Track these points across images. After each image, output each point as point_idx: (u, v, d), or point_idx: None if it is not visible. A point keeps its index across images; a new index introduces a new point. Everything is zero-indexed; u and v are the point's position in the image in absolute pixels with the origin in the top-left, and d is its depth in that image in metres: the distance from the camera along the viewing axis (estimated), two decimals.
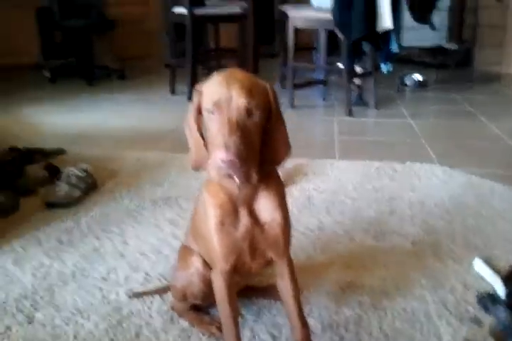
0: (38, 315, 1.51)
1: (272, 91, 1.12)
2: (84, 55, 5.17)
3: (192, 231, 1.40)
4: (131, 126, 3.63)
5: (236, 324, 1.25)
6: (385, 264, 1.79)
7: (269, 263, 1.28)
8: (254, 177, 1.10)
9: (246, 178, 1.08)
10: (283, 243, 1.23)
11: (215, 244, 1.18)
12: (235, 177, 1.06)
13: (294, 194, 2.36)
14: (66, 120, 3.78)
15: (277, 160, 1.18)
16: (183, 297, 1.43)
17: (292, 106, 3.97)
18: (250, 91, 1.05)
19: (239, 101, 1.04)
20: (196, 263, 1.36)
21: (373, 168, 2.68)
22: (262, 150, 1.12)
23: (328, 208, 2.22)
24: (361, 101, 4.05)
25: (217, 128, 1.04)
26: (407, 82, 4.75)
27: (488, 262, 1.76)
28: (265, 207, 1.19)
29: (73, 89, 4.83)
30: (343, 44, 3.68)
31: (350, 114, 3.78)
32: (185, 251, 1.43)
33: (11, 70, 5.28)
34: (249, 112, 1.05)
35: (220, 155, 1.00)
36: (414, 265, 1.79)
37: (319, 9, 3.79)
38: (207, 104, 1.06)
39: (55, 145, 3.00)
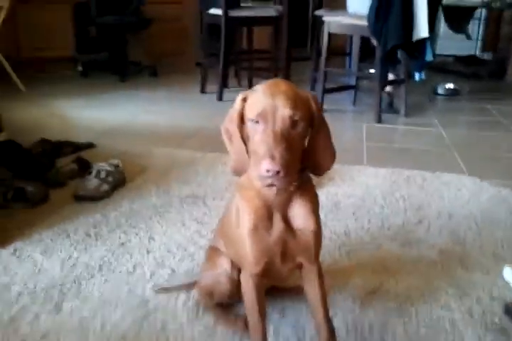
0: (66, 306, 1.53)
1: (314, 101, 1.13)
2: (118, 50, 5.23)
3: (221, 234, 1.41)
4: (161, 123, 3.66)
5: (263, 325, 1.26)
6: (410, 272, 1.78)
7: (298, 267, 1.28)
8: (293, 185, 1.14)
9: (287, 187, 1.11)
10: (314, 249, 1.24)
11: (248, 247, 1.19)
12: (276, 185, 1.07)
13: (320, 198, 2.34)
14: (97, 114, 3.83)
15: (322, 169, 1.20)
16: (210, 296, 1.44)
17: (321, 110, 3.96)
18: (295, 102, 1.06)
19: (284, 112, 1.04)
20: (225, 265, 1.38)
21: (402, 176, 2.66)
22: (305, 159, 1.14)
23: (355, 214, 2.21)
24: (391, 109, 4.02)
25: (261, 138, 1.05)
26: (440, 90, 4.71)
27: None
28: (299, 214, 1.20)
29: (105, 84, 4.89)
30: (378, 51, 3.66)
31: (379, 120, 3.76)
32: (213, 252, 1.45)
33: (46, 63, 5.37)
34: (293, 123, 1.06)
35: (265, 166, 1.00)
36: (441, 274, 1.77)
37: (355, 15, 3.78)
38: (251, 113, 1.07)
39: (85, 139, 3.05)
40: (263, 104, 1.05)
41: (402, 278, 1.74)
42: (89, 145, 2.96)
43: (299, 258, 1.24)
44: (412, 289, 1.68)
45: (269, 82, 1.12)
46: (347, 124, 3.84)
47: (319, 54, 4.09)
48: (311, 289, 1.30)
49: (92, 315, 1.49)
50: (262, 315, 1.26)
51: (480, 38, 6.33)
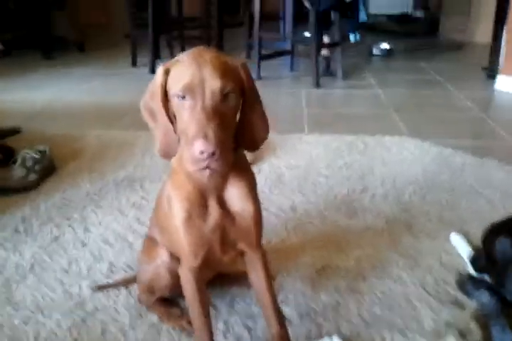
0: None
1: (244, 69, 1.02)
2: (40, 25, 4.90)
3: (156, 223, 1.31)
4: (91, 102, 3.46)
5: (208, 320, 1.17)
6: (359, 244, 1.73)
7: (240, 255, 1.20)
8: (229, 165, 1.00)
9: (223, 168, 0.98)
10: (255, 234, 1.15)
11: (183, 239, 1.09)
12: (212, 168, 0.96)
13: (264, 171, 2.27)
14: (21, 96, 3.59)
15: (255, 145, 1.10)
16: (150, 290, 1.35)
17: (259, 77, 3.85)
18: (224, 73, 0.95)
19: (213, 84, 0.94)
20: (163, 255, 1.28)
21: (344, 142, 2.61)
22: (237, 134, 1.04)
23: (300, 186, 2.15)
24: (329, 72, 3.96)
25: (190, 115, 0.94)
26: (375, 51, 4.67)
27: (464, 238, 1.72)
28: (235, 196, 1.10)
29: (29, 63, 4.60)
30: (311, 14, 3.55)
31: (318, 85, 3.69)
32: (149, 243, 1.34)
33: None
34: (224, 96, 0.95)
35: (199, 147, 0.90)
36: (390, 244, 1.74)
37: None
38: (176, 87, 0.95)
39: (9, 123, 2.83)
40: (188, 76, 0.94)
41: (352, 251, 1.69)
42: (14, 131, 2.76)
43: (239, 244, 1.15)
44: (362, 263, 1.63)
45: (193, 50, 1.00)
46: (285, 91, 3.75)
47: (252, 19, 3.94)
48: (256, 277, 1.22)
49: (24, 322, 1.37)
50: (206, 310, 1.17)
51: None
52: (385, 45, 4.69)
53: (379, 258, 1.66)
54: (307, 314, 1.40)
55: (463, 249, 1.66)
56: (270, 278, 1.23)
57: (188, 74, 0.94)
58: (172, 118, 1.02)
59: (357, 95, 3.54)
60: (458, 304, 1.43)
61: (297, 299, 1.46)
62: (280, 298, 1.45)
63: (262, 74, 3.89)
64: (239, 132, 1.04)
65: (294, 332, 1.30)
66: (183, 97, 0.95)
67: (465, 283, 1.46)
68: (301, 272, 1.58)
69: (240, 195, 1.10)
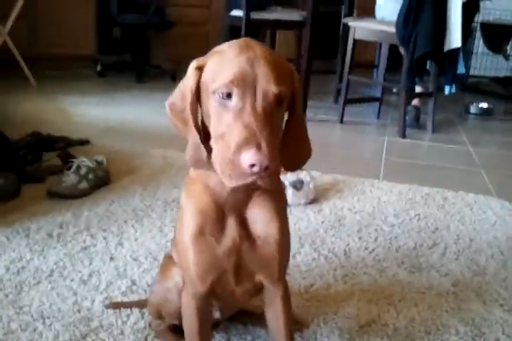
0: None
1: (296, 74, 0.86)
2: (140, 51, 5.07)
3: (174, 240, 1.15)
4: (167, 125, 3.43)
5: None
6: (416, 304, 1.49)
7: (258, 288, 1.01)
8: (275, 185, 0.87)
9: (271, 187, 0.84)
10: (278, 264, 0.97)
11: (190, 258, 0.92)
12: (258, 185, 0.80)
13: (324, 211, 2.07)
14: (104, 113, 3.63)
15: (298, 163, 0.94)
16: (158, 315, 1.18)
17: (341, 121, 3.69)
18: (279, 72, 0.80)
19: (268, 84, 0.78)
20: (176, 277, 1.10)
21: (421, 193, 2.37)
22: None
23: (360, 232, 1.93)
24: (418, 124, 3.72)
25: (236, 117, 0.77)
26: (472, 109, 4.38)
27: None
28: (260, 217, 0.92)
29: (122, 85, 4.71)
30: (405, 60, 3.38)
31: (403, 135, 3.46)
32: (167, 261, 1.18)
33: (63, 61, 5.23)
34: (279, 101, 0.80)
35: (249, 159, 0.73)
36: (452, 308, 1.48)
37: (383, 21, 3.52)
38: (219, 82, 0.79)
39: (84, 136, 2.83)
40: (236, 69, 0.78)
41: (406, 309, 1.45)
42: (83, 142, 2.74)
43: (258, 275, 0.96)
44: (415, 324, 1.39)
45: (238, 41, 0.84)
46: (367, 137, 3.55)
47: (344, 62, 3.83)
48: (273, 317, 1.02)
49: (21, 329, 1.24)
50: None
51: None
52: (483, 105, 4.41)
53: (436, 322, 1.40)
54: None
55: None
56: (290, 318, 1.03)
57: (235, 66, 0.79)
58: (199, 125, 0.87)
59: (444, 150, 3.28)
60: None
61: None
62: None
63: (345, 118, 3.72)
64: (281, 147, 0.87)
65: None
66: (228, 95, 0.78)
67: None
68: (342, 324, 1.36)
69: (266, 216, 0.92)
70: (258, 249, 0.92)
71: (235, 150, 0.75)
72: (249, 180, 0.76)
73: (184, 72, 0.89)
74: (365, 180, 2.46)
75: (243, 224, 0.92)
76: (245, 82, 0.77)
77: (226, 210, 0.91)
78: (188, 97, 0.85)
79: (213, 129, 0.82)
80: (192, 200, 0.92)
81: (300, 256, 1.70)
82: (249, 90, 0.78)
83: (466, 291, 1.57)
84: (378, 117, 3.99)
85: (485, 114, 4.37)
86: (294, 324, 1.26)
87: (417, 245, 1.86)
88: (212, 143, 0.83)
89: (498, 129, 4.04)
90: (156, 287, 1.17)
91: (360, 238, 1.87)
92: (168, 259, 1.17)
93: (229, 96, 0.78)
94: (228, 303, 1.11)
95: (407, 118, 3.52)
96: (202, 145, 0.85)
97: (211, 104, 0.81)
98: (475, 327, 1.38)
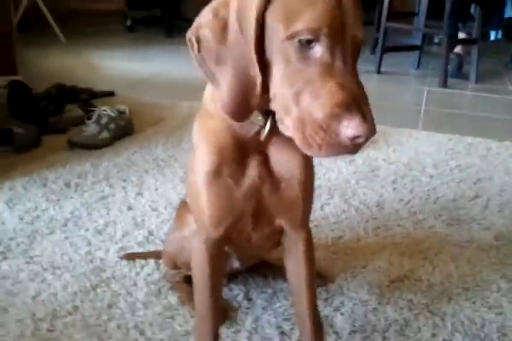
0: (4, 265, 1.23)
1: None
2: (169, 5, 4.91)
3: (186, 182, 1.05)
4: (195, 77, 3.31)
5: (215, 307, 0.90)
6: (454, 258, 1.37)
7: (276, 234, 0.91)
8: None
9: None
10: (302, 207, 0.86)
11: (203, 201, 0.82)
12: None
13: (356, 161, 1.94)
14: (133, 66, 3.53)
15: None
16: (174, 265, 1.10)
17: (379, 71, 3.49)
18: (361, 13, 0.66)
19: (358, 31, 0.64)
20: (192, 224, 1.00)
21: (462, 143, 2.20)
22: None
23: (395, 182, 1.80)
24: (460, 73, 3.49)
25: (323, 73, 0.62)
26: None
27: None
28: (285, 157, 0.81)
29: (151, 40, 4.60)
30: (447, 3, 3.14)
31: (444, 85, 3.25)
32: (182, 208, 1.09)
33: (93, 16, 5.12)
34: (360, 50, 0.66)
35: (353, 129, 0.60)
36: (494, 263, 1.35)
37: None
38: (299, 26, 0.62)
39: (113, 88, 2.75)
40: (324, 7, 0.61)
41: (442, 264, 1.33)
42: (108, 93, 2.66)
43: (279, 220, 0.86)
44: (452, 279, 1.27)
45: None
46: (406, 88, 3.36)
47: (382, 9, 3.59)
48: (294, 266, 0.92)
49: (30, 278, 1.18)
50: (215, 293, 0.90)
51: None
52: None
53: (476, 278, 1.29)
54: (362, 329, 1.07)
55: None
56: (313, 268, 0.92)
57: (321, 3, 0.62)
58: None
59: (489, 99, 3.07)
60: None
61: (355, 309, 1.14)
62: (335, 304, 1.14)
63: (383, 68, 3.52)
64: None
65: None
66: (308, 41, 0.63)
67: None
68: (370, 279, 1.26)
69: (290, 156, 0.81)
70: (281, 190, 0.82)
71: (331, 116, 0.61)
72: (345, 152, 0.64)
73: None
74: (402, 130, 2.31)
75: (265, 163, 0.80)
76: (334, 27, 0.62)
77: (248, 149, 0.79)
78: (251, 21, 0.65)
79: (282, 84, 0.66)
80: (209, 137, 0.80)
81: (329, 207, 1.59)
82: (338, 37, 0.63)
83: (509, 245, 1.44)
84: (418, 67, 3.77)
85: None
86: (318, 278, 1.17)
87: (457, 197, 1.73)
88: (277, 99, 0.67)
89: None
90: (171, 235, 1.09)
91: (394, 189, 1.75)
92: (183, 205, 1.08)
93: (309, 42, 0.63)
94: (244, 251, 1.01)
95: (449, 67, 3.30)
96: (258, 88, 0.67)
97: (281, 50, 0.64)
98: None
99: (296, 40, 0.63)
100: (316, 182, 0.91)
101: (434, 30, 3.70)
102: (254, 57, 0.66)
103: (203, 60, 0.70)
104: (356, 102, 0.61)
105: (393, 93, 3.14)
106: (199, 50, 0.70)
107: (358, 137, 0.61)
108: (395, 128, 2.32)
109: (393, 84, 3.34)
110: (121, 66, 3.51)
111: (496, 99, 3.08)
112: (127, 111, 2.11)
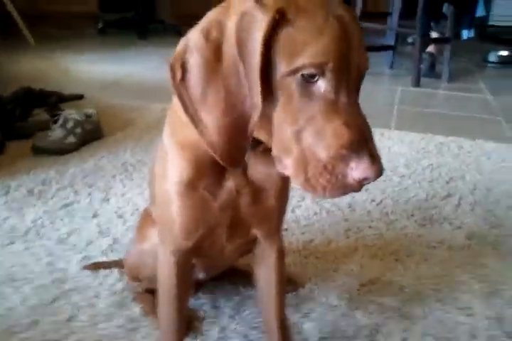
0: None
1: None
2: (142, 7, 4.85)
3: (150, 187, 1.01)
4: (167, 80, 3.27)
5: (179, 320, 0.87)
6: (426, 259, 1.35)
7: (249, 244, 0.88)
8: None
9: None
10: (278, 217, 0.83)
11: (173, 212, 0.76)
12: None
13: None
14: (104, 69, 3.47)
15: None
16: (135, 278, 1.06)
17: None
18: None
19: (364, 62, 0.61)
20: (153, 238, 0.96)
21: (434, 142, 2.20)
22: None
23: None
24: (433, 72, 3.49)
25: (327, 110, 0.59)
26: (492, 58, 4.13)
27: None
28: (263, 168, 0.76)
29: (124, 42, 4.53)
30: (420, 3, 3.15)
31: (417, 84, 3.26)
32: (144, 219, 1.04)
33: (66, 19, 5.05)
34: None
35: (361, 172, 0.57)
36: (465, 263, 1.34)
37: None
38: (303, 59, 0.57)
39: (83, 92, 2.69)
40: (331, 39, 0.57)
41: (414, 266, 1.32)
42: (77, 97, 2.60)
43: (254, 229, 0.82)
44: (424, 282, 1.25)
45: None
46: (380, 88, 3.35)
47: (355, 10, 3.59)
48: (265, 274, 0.90)
49: None
50: (180, 306, 0.87)
51: None
52: (504, 53, 4.15)
53: (448, 279, 1.27)
54: (331, 335, 1.05)
55: None
56: (283, 276, 0.90)
57: (327, 35, 0.57)
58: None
59: (461, 98, 3.07)
60: None
61: (325, 315, 1.11)
62: (304, 310, 1.11)
63: None
64: None
65: None
66: (312, 76, 0.58)
67: None
68: (341, 283, 1.23)
69: (270, 166, 0.73)
70: (259, 200, 0.78)
71: (338, 158, 0.58)
72: (351, 191, 0.60)
73: (189, 27, 0.65)
74: (374, 130, 2.28)
75: (244, 174, 0.76)
76: (340, 61, 0.58)
77: None
78: (254, 56, 0.58)
79: (283, 121, 0.61)
80: (184, 148, 0.73)
81: (300, 209, 1.57)
82: (343, 70, 0.58)
83: (481, 245, 1.43)
84: (391, 67, 3.77)
85: (505, 62, 4.11)
86: (288, 283, 1.15)
87: (429, 196, 1.71)
88: (276, 137, 0.62)
89: None
90: (131, 248, 1.05)
91: (366, 190, 1.72)
92: (146, 216, 1.04)
93: (313, 77, 0.58)
94: (214, 262, 0.97)
95: (422, 66, 3.31)
96: (253, 123, 0.61)
97: (283, 84, 0.59)
98: (490, 284, 1.25)
99: (299, 74, 0.58)
100: None
101: (407, 30, 3.70)
102: (258, 85, 0.58)
103: (185, 91, 0.62)
104: (363, 141, 0.58)
105: (367, 93, 3.11)
106: (182, 79, 0.62)
107: (366, 179, 0.58)
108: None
109: (367, 84, 3.31)
110: (92, 69, 3.45)
111: (468, 98, 3.09)
112: (95, 114, 2.07)
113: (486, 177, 1.88)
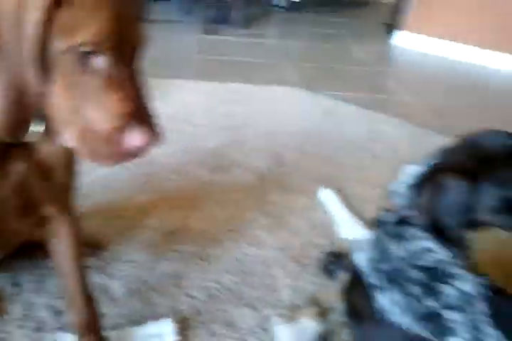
0: None
1: None
2: None
3: None
4: None
5: None
6: (221, 203, 1.48)
7: (42, 221, 0.88)
8: None
9: None
10: (70, 193, 0.85)
11: None
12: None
13: None
14: None
15: None
16: None
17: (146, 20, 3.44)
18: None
19: (140, 40, 0.63)
20: None
21: (227, 90, 2.32)
22: None
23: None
24: (228, 19, 3.59)
25: (107, 85, 0.60)
26: (281, 2, 4.32)
27: (339, 193, 1.52)
28: (51, 147, 0.75)
29: None
30: None
31: (213, 32, 3.33)
32: None
33: None
34: None
35: (138, 138, 0.61)
36: (256, 203, 1.49)
37: None
38: (80, 36, 0.57)
39: None
40: (111, 15, 0.58)
41: (210, 211, 1.43)
42: None
43: (46, 206, 0.83)
44: (220, 224, 1.38)
45: None
46: (177, 36, 3.36)
47: None
48: (61, 248, 0.91)
49: None
50: None
51: None
52: None
53: (241, 218, 1.41)
54: (138, 290, 1.12)
55: (334, 207, 1.45)
56: (81, 251, 0.92)
57: (107, 10, 0.58)
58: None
59: (254, 44, 3.23)
60: (323, 273, 1.21)
61: (131, 272, 1.18)
62: (110, 271, 1.17)
63: (153, 17, 3.48)
64: None
65: (119, 313, 1.05)
66: (90, 53, 0.59)
67: (327, 262, 1.24)
68: (145, 238, 1.30)
69: (57, 144, 0.75)
70: (50, 179, 0.78)
71: (114, 129, 0.61)
72: (132, 157, 0.63)
73: None
74: (170, 81, 2.34)
75: (32, 155, 0.74)
76: (117, 39, 0.59)
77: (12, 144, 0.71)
78: (33, 28, 0.57)
79: (61, 96, 0.61)
80: None
81: (100, 171, 1.57)
82: (119, 48, 0.60)
83: (269, 184, 1.59)
84: (190, 14, 3.78)
85: (294, 8, 4.34)
86: (92, 247, 1.19)
87: (222, 143, 1.83)
88: (56, 111, 0.63)
89: (305, 21, 4.06)
90: None
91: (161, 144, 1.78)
92: None
93: (90, 54, 0.59)
94: (3, 241, 0.97)
95: (217, 13, 3.37)
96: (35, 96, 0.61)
97: (62, 59, 0.59)
98: (276, 219, 1.42)
99: (76, 51, 0.58)
100: None
101: None
102: (34, 60, 0.58)
103: None
104: (138, 112, 0.61)
105: (164, 43, 3.13)
106: None
107: (144, 145, 0.62)
108: (166, 79, 2.33)
109: (162, 33, 3.32)
110: None
111: (260, 44, 3.25)
112: None
113: (275, 121, 2.05)
